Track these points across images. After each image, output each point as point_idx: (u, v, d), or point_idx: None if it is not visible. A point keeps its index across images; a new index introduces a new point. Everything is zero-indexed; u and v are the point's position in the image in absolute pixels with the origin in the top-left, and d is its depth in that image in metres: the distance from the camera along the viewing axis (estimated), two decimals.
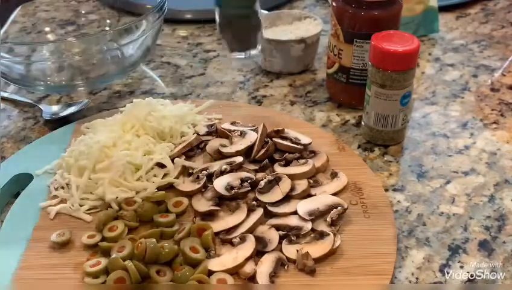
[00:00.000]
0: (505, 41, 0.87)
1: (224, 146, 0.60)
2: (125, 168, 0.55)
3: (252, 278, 0.46)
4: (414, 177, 0.59)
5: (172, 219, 0.51)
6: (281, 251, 0.49)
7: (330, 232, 0.49)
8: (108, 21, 0.91)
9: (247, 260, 0.47)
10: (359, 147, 0.64)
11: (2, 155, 0.63)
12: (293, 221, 0.51)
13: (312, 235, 0.50)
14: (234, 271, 0.47)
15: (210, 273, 0.46)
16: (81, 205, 0.54)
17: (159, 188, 0.55)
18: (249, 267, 0.47)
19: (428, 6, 0.85)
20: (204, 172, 0.56)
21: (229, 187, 0.54)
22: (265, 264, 0.47)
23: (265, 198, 0.53)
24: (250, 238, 0.49)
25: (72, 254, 0.49)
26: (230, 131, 0.62)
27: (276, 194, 0.54)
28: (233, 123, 0.64)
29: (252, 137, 0.60)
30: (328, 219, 0.51)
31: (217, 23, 0.75)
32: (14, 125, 0.70)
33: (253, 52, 0.76)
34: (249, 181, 0.55)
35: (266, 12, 0.80)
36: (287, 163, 0.58)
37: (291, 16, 0.80)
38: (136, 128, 0.60)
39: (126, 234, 0.50)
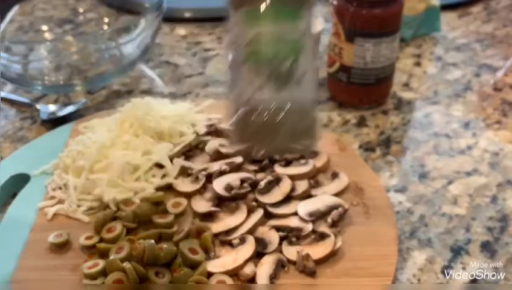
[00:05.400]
0: (508, 40, 0.87)
1: (224, 146, 0.59)
2: (123, 168, 0.55)
3: (252, 279, 0.46)
4: (416, 178, 0.59)
5: (171, 220, 0.51)
6: (281, 252, 0.48)
7: (331, 234, 0.49)
8: (106, 20, 0.90)
9: (247, 261, 0.47)
10: (360, 147, 0.63)
11: None
12: (293, 222, 0.51)
13: (313, 236, 0.49)
14: (234, 273, 0.46)
15: (209, 275, 0.46)
16: (78, 206, 0.54)
17: (157, 189, 0.55)
18: (248, 269, 0.46)
19: (430, 5, 0.85)
20: (204, 172, 0.56)
21: (229, 188, 0.53)
22: (265, 266, 0.47)
23: (266, 199, 0.53)
24: (250, 240, 0.48)
25: (70, 256, 0.49)
26: None
27: (276, 194, 0.53)
28: None
29: None
30: (329, 220, 0.50)
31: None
32: (12, 125, 0.69)
33: None
34: (248, 182, 0.54)
35: None
36: (287, 163, 0.58)
37: None
38: (135, 128, 0.60)
39: (124, 235, 0.50)
